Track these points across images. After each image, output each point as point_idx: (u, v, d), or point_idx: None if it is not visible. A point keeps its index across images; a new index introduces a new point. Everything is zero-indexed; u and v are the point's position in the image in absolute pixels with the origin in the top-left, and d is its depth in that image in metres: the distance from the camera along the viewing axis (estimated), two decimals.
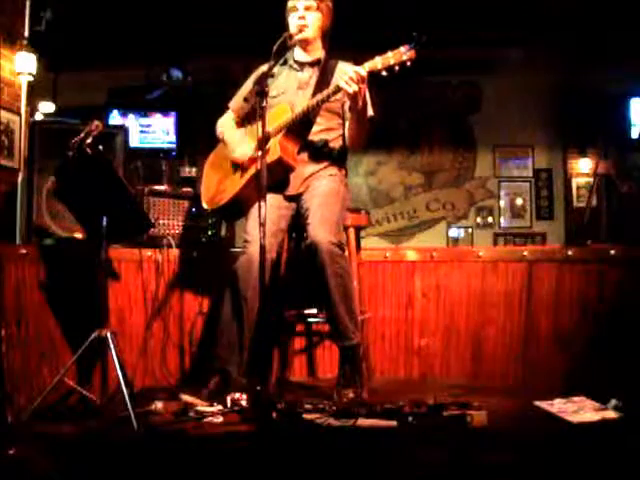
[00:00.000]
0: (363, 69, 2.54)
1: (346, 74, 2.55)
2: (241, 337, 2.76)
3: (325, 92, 2.70)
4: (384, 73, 2.52)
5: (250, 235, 2.77)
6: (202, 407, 2.56)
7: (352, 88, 2.55)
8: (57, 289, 3.07)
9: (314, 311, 3.13)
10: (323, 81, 2.84)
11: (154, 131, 6.62)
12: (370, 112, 2.80)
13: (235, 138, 2.97)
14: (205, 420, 2.43)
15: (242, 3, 5.50)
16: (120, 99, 6.72)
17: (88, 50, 6.20)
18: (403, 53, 2.47)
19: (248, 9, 5.47)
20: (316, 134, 2.89)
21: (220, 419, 2.44)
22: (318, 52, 2.95)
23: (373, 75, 2.54)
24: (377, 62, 2.52)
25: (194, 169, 5.83)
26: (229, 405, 2.52)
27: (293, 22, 2.85)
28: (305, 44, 2.91)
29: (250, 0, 5.35)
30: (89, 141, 2.59)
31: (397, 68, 2.49)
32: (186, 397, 2.65)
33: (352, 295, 2.78)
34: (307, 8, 2.84)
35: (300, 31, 2.83)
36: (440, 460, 2.00)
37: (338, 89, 2.62)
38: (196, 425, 2.39)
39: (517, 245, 6.88)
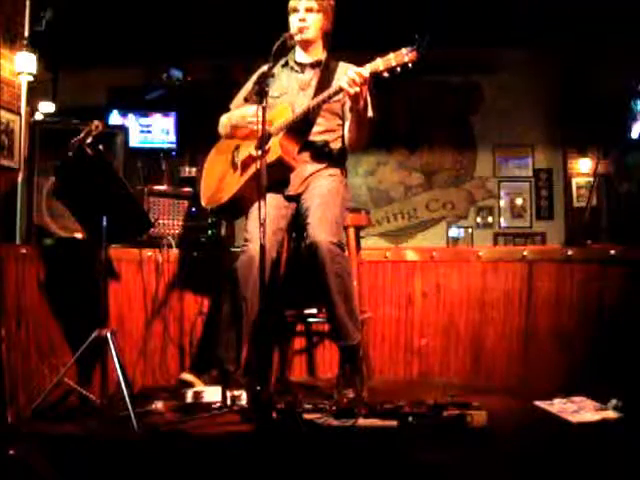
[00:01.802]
0: (365, 70, 2.54)
1: (348, 75, 2.55)
2: (240, 337, 2.76)
3: (326, 93, 2.70)
4: (385, 74, 2.52)
5: (250, 235, 2.77)
6: (200, 387, 2.57)
7: (354, 89, 2.54)
8: (57, 289, 3.07)
9: (314, 311, 3.13)
10: (324, 82, 2.84)
11: (154, 131, 6.62)
12: (370, 113, 2.80)
13: (243, 108, 2.92)
14: (205, 415, 2.43)
15: (242, 3, 5.50)
16: (120, 99, 6.72)
17: (88, 50, 6.20)
18: (405, 54, 2.46)
19: (248, 9, 5.48)
20: (316, 134, 2.89)
21: (221, 411, 2.45)
22: (319, 53, 2.95)
23: (374, 76, 2.54)
24: (379, 63, 2.52)
25: (194, 169, 5.81)
26: (229, 403, 2.53)
27: (294, 23, 2.85)
28: (306, 45, 2.91)
29: (250, 0, 5.36)
30: (89, 141, 2.60)
31: (398, 69, 2.48)
32: (187, 376, 2.68)
33: (352, 295, 2.78)
34: (308, 9, 2.84)
35: (301, 32, 2.83)
36: (440, 460, 2.00)
37: (340, 90, 2.62)
38: (196, 425, 2.39)
39: (517, 245, 6.88)
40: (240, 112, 2.97)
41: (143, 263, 3.29)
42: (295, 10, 2.85)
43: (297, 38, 2.84)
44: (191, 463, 2.02)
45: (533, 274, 3.33)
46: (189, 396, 2.55)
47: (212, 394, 2.55)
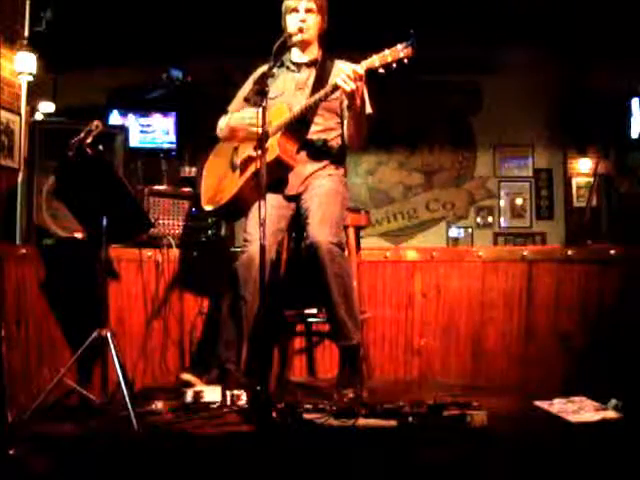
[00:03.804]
0: (360, 67, 2.54)
1: (343, 72, 2.55)
2: (240, 337, 2.76)
3: (322, 91, 2.70)
4: (381, 71, 2.52)
5: (250, 235, 2.77)
6: (200, 387, 2.57)
7: (350, 86, 2.54)
8: (57, 289, 3.07)
9: (314, 311, 3.13)
10: (320, 80, 2.85)
11: (154, 131, 6.62)
12: (368, 109, 2.80)
13: (242, 114, 2.93)
14: (204, 414, 2.43)
15: (242, 4, 5.50)
16: (120, 99, 6.72)
17: (88, 50, 6.20)
18: (400, 50, 2.47)
19: (248, 9, 5.48)
20: (315, 134, 2.89)
21: (221, 410, 2.45)
22: (315, 52, 2.96)
23: (371, 73, 2.55)
24: (374, 60, 2.53)
25: (194, 169, 5.82)
26: (228, 402, 2.53)
27: (293, 23, 2.85)
28: (304, 45, 2.92)
29: (250, 1, 5.36)
30: (89, 141, 2.60)
31: (394, 65, 2.49)
32: (186, 376, 2.67)
33: (352, 295, 2.78)
34: (308, 10, 2.84)
35: (301, 32, 2.83)
36: (440, 460, 2.00)
37: (336, 88, 2.62)
38: (196, 425, 2.39)
39: (517, 245, 6.88)
40: (239, 114, 2.97)
41: (143, 263, 3.29)
42: (295, 10, 2.85)
43: (296, 38, 2.85)
44: (191, 463, 2.02)
45: (533, 274, 3.33)
46: (189, 396, 2.55)
47: (212, 394, 2.55)
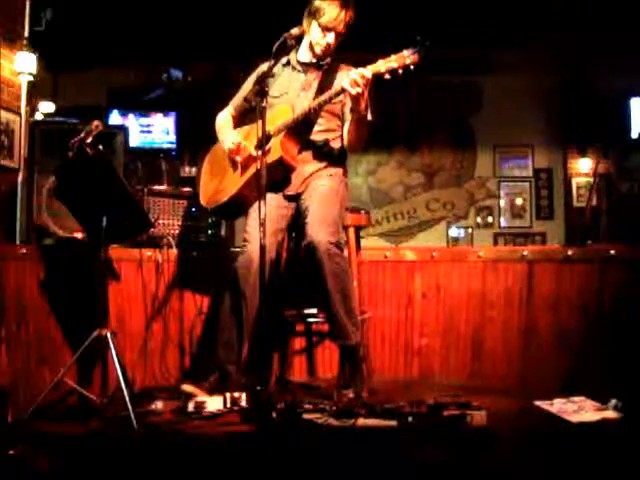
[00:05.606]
0: (367, 71, 2.53)
1: (349, 76, 2.55)
2: (240, 337, 2.76)
3: (327, 94, 2.70)
4: (387, 76, 2.52)
5: (250, 235, 2.77)
6: (202, 397, 2.57)
7: (355, 90, 2.54)
8: (57, 289, 3.07)
9: (314, 311, 3.13)
10: (326, 83, 2.84)
11: (154, 131, 6.62)
12: (369, 116, 2.80)
13: (226, 134, 2.98)
14: (204, 415, 2.44)
15: (242, 4, 5.50)
16: (120, 99, 6.73)
17: (88, 50, 6.20)
18: (406, 57, 2.47)
19: (248, 10, 5.48)
20: (317, 134, 2.89)
21: (220, 411, 2.45)
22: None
23: (376, 78, 2.54)
24: (380, 65, 2.52)
25: (194, 169, 5.83)
26: (229, 405, 2.53)
27: (319, 38, 2.81)
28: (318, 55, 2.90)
29: (250, 1, 5.36)
30: (89, 141, 2.60)
31: (400, 71, 2.49)
32: (187, 387, 2.67)
33: (351, 295, 2.78)
34: (339, 34, 2.81)
35: (323, 52, 2.83)
36: (440, 460, 2.00)
37: (342, 91, 2.62)
38: (196, 425, 2.39)
39: (517, 245, 6.89)
40: (225, 132, 3.00)
41: (143, 263, 3.29)
42: (328, 29, 2.78)
43: (317, 51, 2.84)
44: (191, 463, 2.02)
45: (533, 274, 3.33)
46: (191, 407, 2.53)
47: (214, 404, 2.54)
